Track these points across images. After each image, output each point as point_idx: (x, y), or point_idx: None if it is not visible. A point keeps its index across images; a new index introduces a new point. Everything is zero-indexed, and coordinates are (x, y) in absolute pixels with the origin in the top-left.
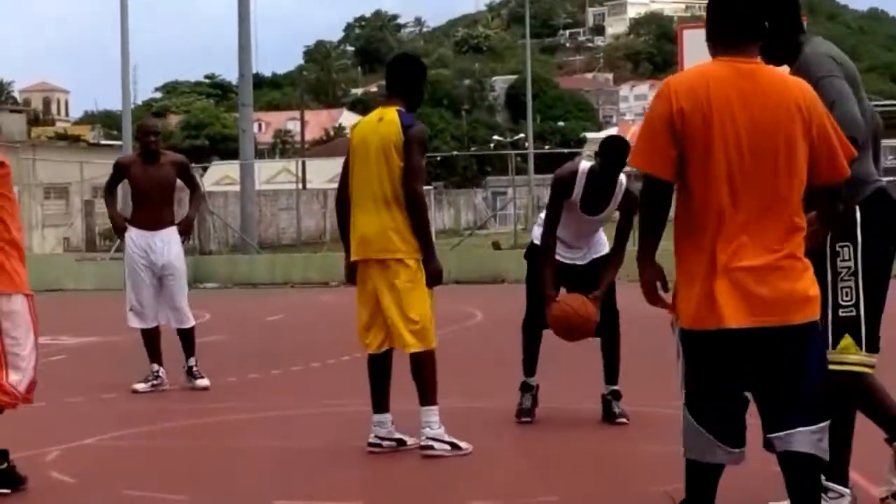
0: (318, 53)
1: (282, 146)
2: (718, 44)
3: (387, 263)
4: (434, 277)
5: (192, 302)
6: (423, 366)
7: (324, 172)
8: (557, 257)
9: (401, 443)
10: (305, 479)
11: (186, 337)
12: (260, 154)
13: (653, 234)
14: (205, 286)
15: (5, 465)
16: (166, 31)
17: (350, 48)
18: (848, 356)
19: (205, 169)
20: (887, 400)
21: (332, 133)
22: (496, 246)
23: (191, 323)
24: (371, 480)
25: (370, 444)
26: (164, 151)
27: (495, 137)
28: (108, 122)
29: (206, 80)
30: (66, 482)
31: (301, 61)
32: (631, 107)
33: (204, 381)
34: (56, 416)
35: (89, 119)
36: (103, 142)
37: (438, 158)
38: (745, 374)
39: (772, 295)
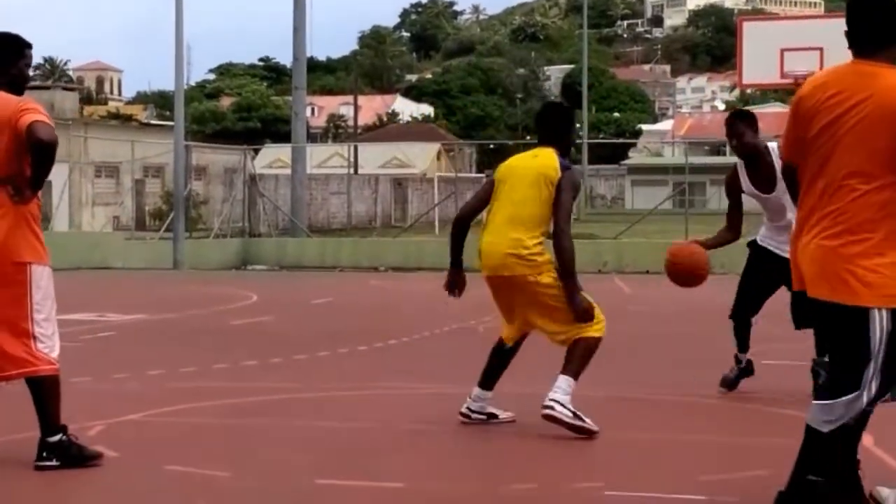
0: (373, 39)
1: (334, 131)
2: (850, 48)
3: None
4: (578, 316)
5: (242, 284)
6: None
7: (376, 158)
8: (771, 248)
9: (492, 416)
10: (348, 459)
11: None
12: (312, 138)
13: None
14: (253, 268)
15: (61, 437)
16: (221, 12)
17: (405, 34)
18: None
19: (256, 151)
20: None
21: (385, 119)
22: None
23: None
24: (412, 462)
25: (462, 414)
26: None
27: None
28: (160, 102)
29: (261, 63)
30: (109, 456)
31: (356, 46)
32: (688, 99)
33: None
34: (101, 392)
35: (142, 99)
36: (155, 122)
37: (492, 146)
38: None
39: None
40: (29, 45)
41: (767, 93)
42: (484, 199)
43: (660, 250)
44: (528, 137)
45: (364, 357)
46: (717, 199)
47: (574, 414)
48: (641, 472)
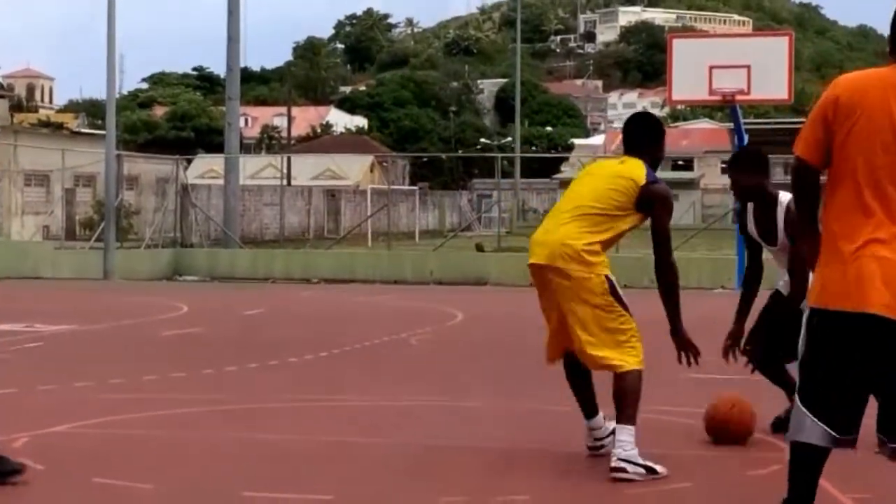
0: (307, 50)
1: (268, 141)
2: (890, 50)
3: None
4: (679, 346)
5: (173, 294)
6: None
7: (309, 169)
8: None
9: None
10: (275, 472)
11: None
12: (246, 149)
13: (806, 214)
14: (185, 279)
15: None
16: (155, 20)
17: (340, 45)
18: None
19: (189, 161)
20: None
21: (318, 130)
22: (479, 248)
23: None
24: (341, 475)
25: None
26: None
27: (482, 140)
28: (92, 110)
29: (194, 73)
30: (34, 468)
31: (290, 57)
32: (619, 114)
33: None
34: (28, 403)
35: (74, 107)
36: (86, 130)
37: (425, 159)
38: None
39: None
40: None
41: (696, 109)
42: None
43: None
44: (461, 151)
45: (295, 369)
46: None
47: (646, 469)
48: (569, 485)
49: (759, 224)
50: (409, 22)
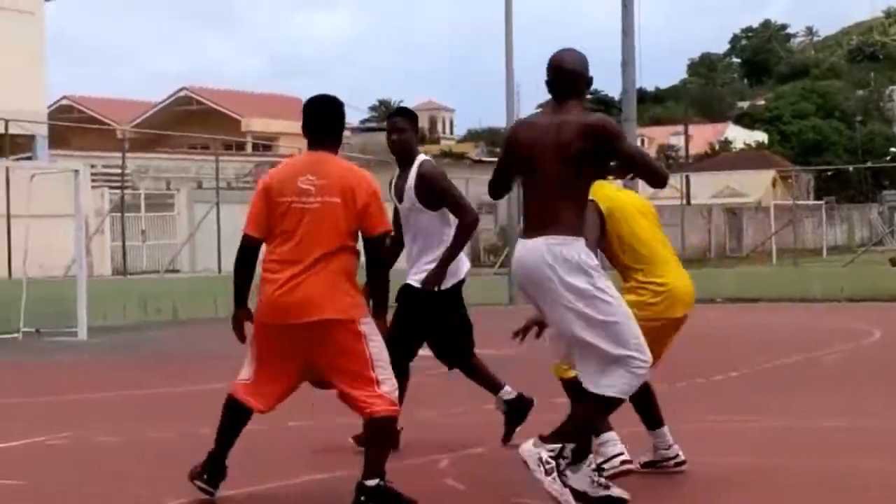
0: (702, 66)
1: (665, 161)
2: None
3: None
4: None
5: None
6: None
7: (708, 187)
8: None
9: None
10: (669, 489)
11: None
12: None
13: None
14: None
15: (378, 482)
16: (548, 46)
17: (736, 60)
18: None
19: None
20: None
21: (717, 147)
22: (893, 262)
23: None
24: (749, 497)
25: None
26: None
27: (892, 150)
28: (491, 139)
29: (590, 96)
30: (456, 489)
31: (685, 74)
32: None
33: None
34: (447, 425)
35: (473, 136)
36: (486, 159)
37: (830, 172)
38: None
39: None
40: None
41: None
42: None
43: None
44: (869, 162)
45: (705, 389)
46: None
47: None
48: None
49: (399, 180)
50: (809, 31)
